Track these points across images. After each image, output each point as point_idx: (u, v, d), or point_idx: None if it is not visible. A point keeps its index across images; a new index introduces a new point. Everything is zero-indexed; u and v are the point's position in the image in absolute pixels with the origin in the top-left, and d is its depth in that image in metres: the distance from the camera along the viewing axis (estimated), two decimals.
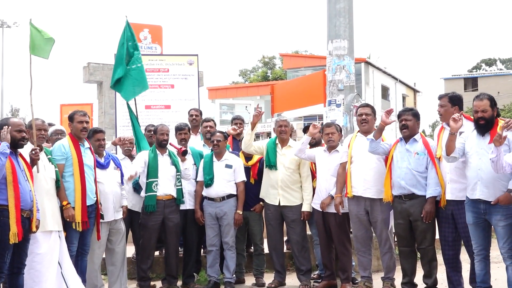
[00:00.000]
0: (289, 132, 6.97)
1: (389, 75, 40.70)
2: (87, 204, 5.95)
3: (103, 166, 6.35)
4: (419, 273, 6.12)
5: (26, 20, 6.03)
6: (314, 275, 7.09)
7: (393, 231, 6.41)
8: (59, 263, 5.65)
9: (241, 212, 6.81)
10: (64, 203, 5.82)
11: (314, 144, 6.98)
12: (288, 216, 6.80)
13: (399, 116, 6.08)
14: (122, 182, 6.57)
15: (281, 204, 6.77)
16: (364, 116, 6.40)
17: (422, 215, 5.78)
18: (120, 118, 10.63)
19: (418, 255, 6.11)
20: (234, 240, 6.86)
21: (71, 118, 6.19)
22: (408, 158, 5.89)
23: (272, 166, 6.77)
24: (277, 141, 6.92)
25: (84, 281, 6.12)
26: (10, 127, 5.10)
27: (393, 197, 5.99)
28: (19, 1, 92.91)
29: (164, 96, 10.15)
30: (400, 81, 42.83)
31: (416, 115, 6.03)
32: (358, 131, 6.53)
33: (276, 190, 6.78)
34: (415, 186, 5.83)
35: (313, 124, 6.66)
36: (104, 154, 6.46)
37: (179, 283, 6.93)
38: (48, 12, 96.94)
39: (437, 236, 5.98)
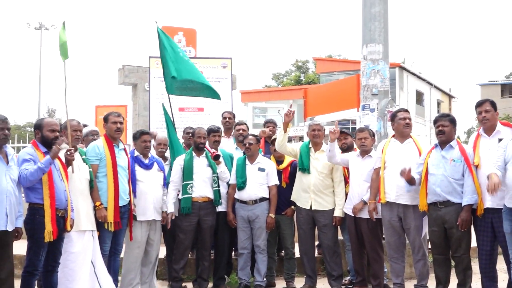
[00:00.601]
0: (322, 136, 6.93)
1: (423, 80, 40.18)
2: (120, 205, 6.01)
3: (147, 167, 6.46)
4: (453, 281, 6.01)
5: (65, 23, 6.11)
6: (345, 280, 7.02)
7: (427, 238, 6.32)
8: (92, 262, 5.73)
9: (273, 216, 6.79)
10: (97, 203, 5.89)
11: (346, 148, 6.94)
12: (320, 221, 6.76)
13: (435, 121, 6.00)
14: (164, 185, 6.65)
15: (313, 208, 6.73)
16: (408, 120, 6.33)
17: (457, 223, 5.68)
18: (154, 120, 10.75)
19: (453, 263, 6.00)
20: (266, 243, 6.84)
21: (105, 119, 6.28)
22: (444, 165, 5.79)
23: (305, 169, 6.74)
24: (310, 145, 6.89)
25: (116, 280, 6.20)
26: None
27: (427, 205, 5.91)
28: (57, 5, 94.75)
29: (197, 98, 10.15)
30: (435, 87, 42.23)
31: (453, 121, 5.93)
32: (392, 136, 6.46)
33: (308, 194, 6.74)
34: (451, 193, 5.73)
35: (330, 130, 6.60)
36: (149, 156, 6.55)
37: (210, 285, 6.94)
38: (84, 15, 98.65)
39: (472, 244, 5.87)
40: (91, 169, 5.90)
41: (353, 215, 6.52)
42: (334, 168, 6.78)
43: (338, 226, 6.86)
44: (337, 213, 6.69)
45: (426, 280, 6.23)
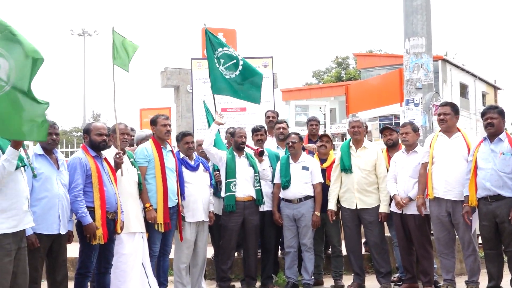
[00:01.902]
0: (363, 133, 6.85)
1: (467, 72, 39.37)
2: (169, 206, 6.09)
3: (193, 168, 6.53)
4: (506, 276, 5.89)
5: (106, 28, 6.26)
6: (394, 277, 6.95)
7: (477, 233, 6.19)
8: (142, 263, 5.82)
9: (318, 214, 6.77)
10: (147, 205, 5.98)
11: (391, 145, 6.88)
12: (365, 218, 6.71)
13: (483, 114, 5.87)
14: (211, 185, 6.71)
15: (358, 207, 6.69)
16: (442, 116, 6.21)
17: (509, 217, 5.55)
18: (197, 121, 10.85)
19: (505, 258, 5.87)
20: (312, 241, 6.83)
21: (154, 121, 6.33)
22: (494, 158, 5.66)
23: (348, 169, 6.69)
24: (351, 143, 6.83)
25: (165, 280, 6.28)
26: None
27: (477, 200, 5.79)
28: (99, 11, 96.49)
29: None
30: (480, 78, 41.31)
31: (501, 113, 5.79)
32: (440, 131, 6.36)
33: (352, 194, 6.69)
34: (502, 187, 5.59)
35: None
36: (194, 157, 6.62)
37: (258, 284, 6.97)
38: (126, 19, 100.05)
39: None
40: (139, 172, 5.99)
41: (399, 212, 6.45)
42: (377, 164, 6.70)
43: (385, 223, 6.80)
44: (383, 209, 6.63)
45: (478, 276, 6.11)
